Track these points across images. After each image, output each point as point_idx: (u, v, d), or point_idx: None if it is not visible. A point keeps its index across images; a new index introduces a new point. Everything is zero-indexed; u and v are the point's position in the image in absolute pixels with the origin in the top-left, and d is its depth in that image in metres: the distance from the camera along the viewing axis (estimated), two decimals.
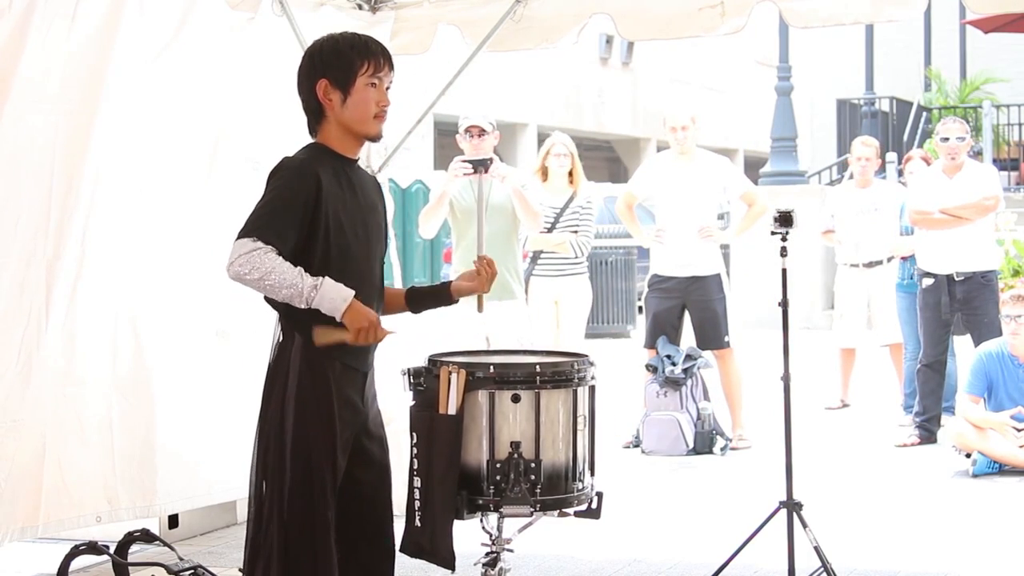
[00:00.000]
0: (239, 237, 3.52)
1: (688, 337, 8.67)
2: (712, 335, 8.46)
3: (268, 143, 5.74)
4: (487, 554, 3.75)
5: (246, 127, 5.92)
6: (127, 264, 5.47)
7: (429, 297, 3.95)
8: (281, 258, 3.50)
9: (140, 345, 5.57)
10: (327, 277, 3.55)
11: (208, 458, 5.83)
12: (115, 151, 5.33)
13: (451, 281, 3.93)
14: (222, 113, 5.83)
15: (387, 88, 3.77)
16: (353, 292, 3.58)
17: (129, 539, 5.04)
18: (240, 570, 3.85)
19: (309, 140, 3.80)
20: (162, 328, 5.65)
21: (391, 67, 3.79)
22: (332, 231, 3.62)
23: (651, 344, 8.59)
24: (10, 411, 4.97)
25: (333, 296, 3.53)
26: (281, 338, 3.68)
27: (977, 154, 16.84)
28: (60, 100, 5.06)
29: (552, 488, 3.66)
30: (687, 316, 8.61)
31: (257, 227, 3.53)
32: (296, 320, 3.62)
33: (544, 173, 8.32)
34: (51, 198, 5.06)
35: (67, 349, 5.27)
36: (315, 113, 3.74)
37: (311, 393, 3.62)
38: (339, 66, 3.70)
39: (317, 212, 3.59)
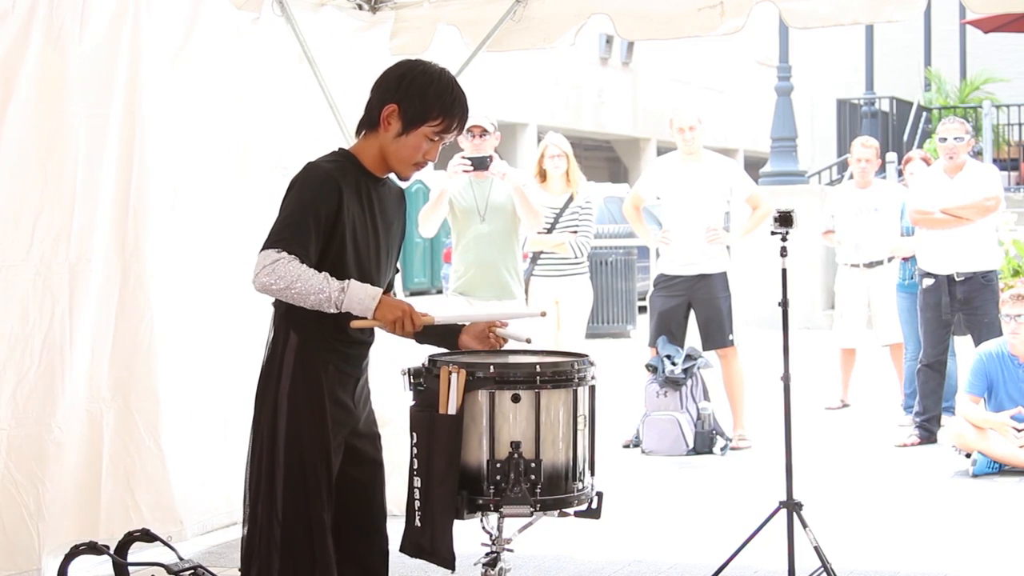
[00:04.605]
0: (263, 248, 3.53)
1: (692, 337, 8.67)
2: (716, 333, 8.47)
3: (292, 146, 5.76)
4: (487, 554, 3.75)
5: (269, 131, 5.91)
6: (166, 271, 5.47)
7: (436, 335, 3.90)
8: (305, 266, 3.51)
9: (190, 357, 5.58)
10: (352, 280, 3.56)
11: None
12: (144, 156, 5.33)
13: (463, 327, 3.91)
14: (245, 117, 5.82)
15: (442, 146, 3.75)
16: (380, 290, 3.59)
17: (129, 539, 5.04)
18: (240, 570, 3.85)
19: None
20: (204, 338, 5.65)
21: (462, 131, 3.77)
22: (347, 247, 3.63)
23: (655, 343, 8.59)
24: (32, 412, 4.96)
25: (362, 296, 3.54)
26: (273, 336, 3.69)
27: (977, 154, 16.84)
28: (81, 103, 5.05)
29: (552, 488, 3.65)
30: (692, 316, 8.62)
31: (281, 238, 3.53)
32: (293, 319, 3.62)
33: (543, 175, 8.33)
34: (75, 201, 5.05)
35: (124, 361, 5.29)
36: (370, 123, 3.72)
37: (304, 393, 3.63)
38: (415, 105, 3.65)
39: (335, 226, 3.59)
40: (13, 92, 4.84)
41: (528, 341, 3.93)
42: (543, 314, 4.09)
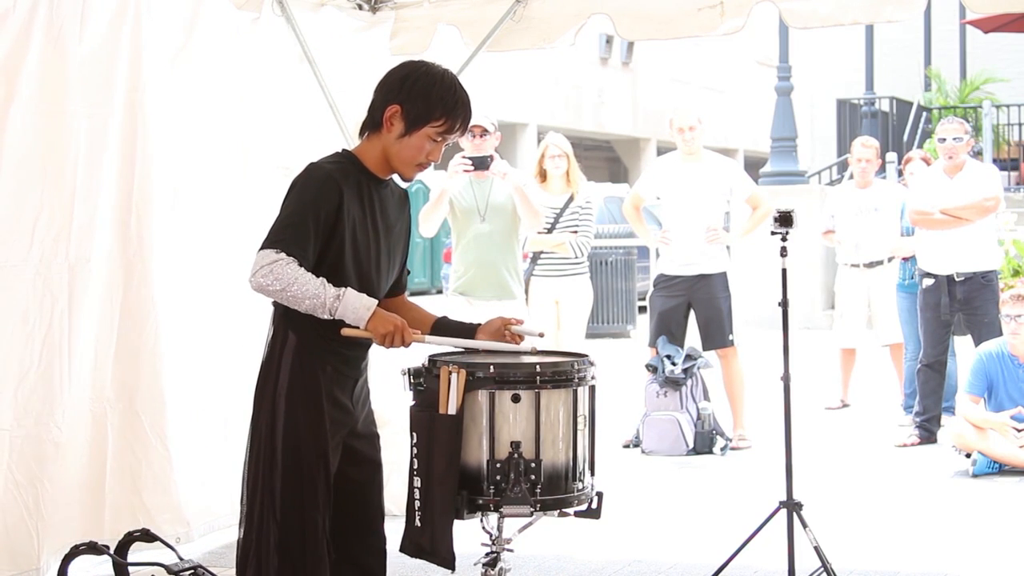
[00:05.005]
0: (262, 248, 3.53)
1: (692, 337, 8.67)
2: (716, 333, 8.47)
3: (292, 146, 5.75)
4: (487, 554, 3.75)
5: (270, 131, 5.90)
6: (170, 271, 5.45)
7: (452, 335, 3.90)
8: (303, 269, 3.51)
9: (194, 357, 5.57)
10: (349, 288, 3.56)
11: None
12: (145, 156, 5.32)
13: (478, 326, 3.91)
14: (245, 117, 5.80)
15: (445, 146, 3.75)
16: (376, 301, 3.59)
17: (129, 539, 5.04)
18: (236, 570, 3.85)
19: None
20: (207, 338, 5.65)
21: (464, 132, 3.78)
22: (346, 248, 3.63)
23: (655, 343, 8.59)
24: (32, 412, 4.95)
25: (356, 306, 3.54)
26: (272, 335, 3.69)
27: (977, 154, 16.85)
28: (81, 103, 5.03)
29: (552, 488, 3.65)
30: (692, 316, 8.62)
31: (280, 239, 3.53)
32: (292, 319, 3.62)
33: (543, 175, 8.33)
34: (74, 201, 5.04)
35: (128, 362, 5.29)
36: (373, 124, 3.72)
37: (301, 393, 3.63)
38: (418, 106, 3.65)
39: (335, 228, 3.60)
40: (15, 92, 4.83)
41: (541, 335, 3.94)
42: (541, 335, 4.06)
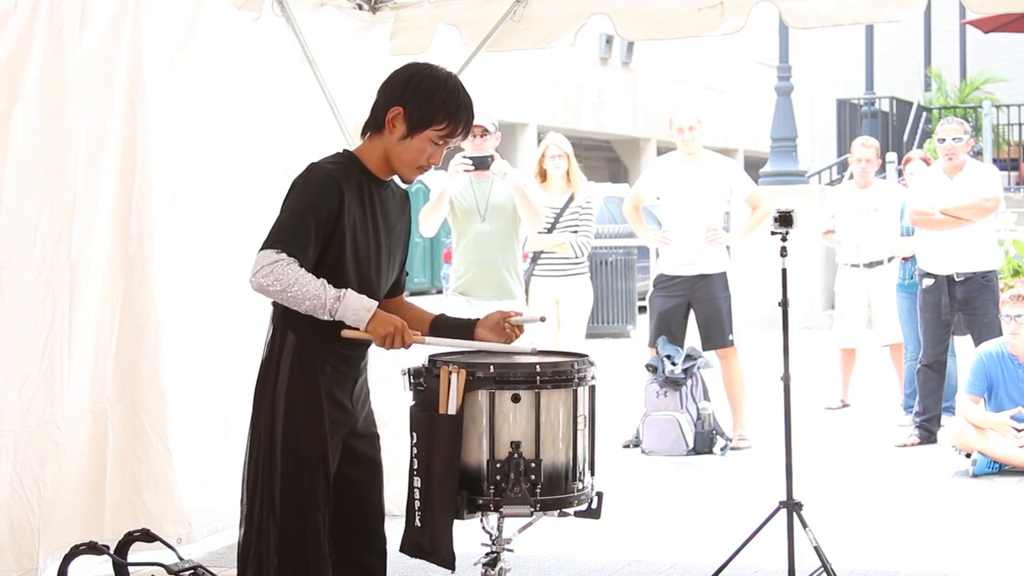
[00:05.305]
0: (262, 248, 3.54)
1: (692, 337, 8.67)
2: (716, 334, 8.47)
3: (292, 146, 5.74)
4: (487, 554, 3.75)
5: (270, 131, 5.89)
6: (170, 272, 5.44)
7: (453, 330, 3.91)
8: (303, 270, 3.52)
9: (195, 358, 5.56)
10: (349, 289, 3.56)
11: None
12: (145, 157, 5.32)
13: (477, 321, 3.91)
14: (246, 117, 5.80)
15: (447, 150, 3.75)
16: (376, 303, 3.59)
17: (129, 539, 5.04)
18: (237, 570, 3.85)
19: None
20: (208, 339, 5.64)
21: (467, 136, 3.78)
22: (346, 249, 3.63)
23: (655, 343, 8.59)
24: (35, 413, 4.94)
25: (356, 307, 3.54)
26: (271, 334, 3.69)
27: (977, 154, 16.84)
28: (80, 103, 5.03)
29: (552, 488, 3.66)
30: (692, 316, 8.62)
31: (281, 239, 3.54)
32: (291, 319, 3.63)
33: (543, 175, 8.33)
34: (75, 202, 5.04)
35: (129, 362, 5.28)
36: (375, 125, 3.73)
37: (301, 393, 3.64)
38: (421, 108, 3.65)
39: (335, 228, 3.60)
40: (19, 93, 4.83)
41: (543, 319, 3.94)
42: (543, 319, 4.10)
